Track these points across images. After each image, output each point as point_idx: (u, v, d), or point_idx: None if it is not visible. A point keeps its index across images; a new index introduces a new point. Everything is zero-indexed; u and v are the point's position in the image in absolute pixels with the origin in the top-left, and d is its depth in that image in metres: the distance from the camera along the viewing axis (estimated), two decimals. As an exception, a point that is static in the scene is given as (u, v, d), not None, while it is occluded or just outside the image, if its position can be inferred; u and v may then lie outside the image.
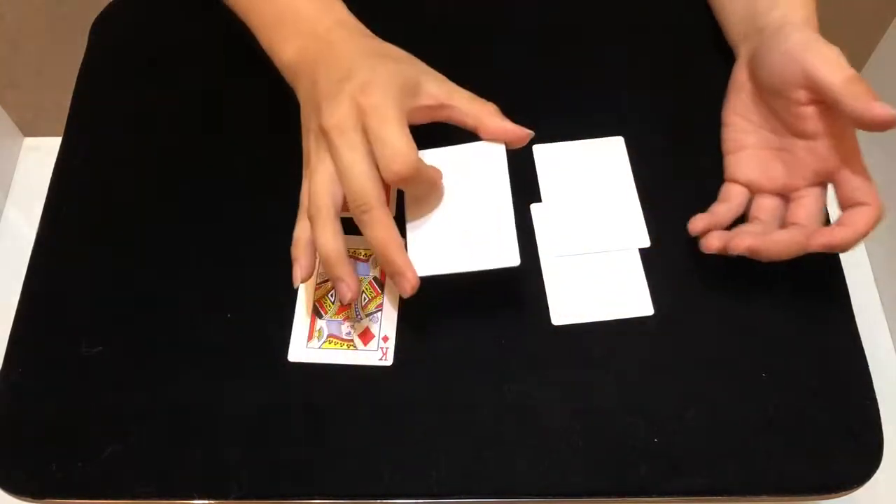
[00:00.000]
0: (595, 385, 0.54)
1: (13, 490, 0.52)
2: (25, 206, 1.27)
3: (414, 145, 0.49)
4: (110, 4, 0.72)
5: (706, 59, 0.64)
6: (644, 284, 0.58)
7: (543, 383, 0.54)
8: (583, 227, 0.60)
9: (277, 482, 0.52)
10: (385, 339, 0.56)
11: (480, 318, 0.57)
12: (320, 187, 0.50)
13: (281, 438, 0.53)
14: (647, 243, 0.59)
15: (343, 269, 0.50)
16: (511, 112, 0.65)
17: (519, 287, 0.58)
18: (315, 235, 0.50)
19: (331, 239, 0.49)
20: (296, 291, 0.57)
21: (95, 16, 0.72)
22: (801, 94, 0.53)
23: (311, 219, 0.50)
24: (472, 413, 0.53)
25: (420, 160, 0.49)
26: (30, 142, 1.32)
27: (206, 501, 0.51)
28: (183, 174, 0.63)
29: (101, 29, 0.71)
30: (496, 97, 0.66)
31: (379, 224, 0.49)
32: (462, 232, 0.53)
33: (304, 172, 0.53)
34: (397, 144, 0.48)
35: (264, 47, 0.58)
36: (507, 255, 0.51)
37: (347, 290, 0.50)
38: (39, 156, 1.31)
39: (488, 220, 0.52)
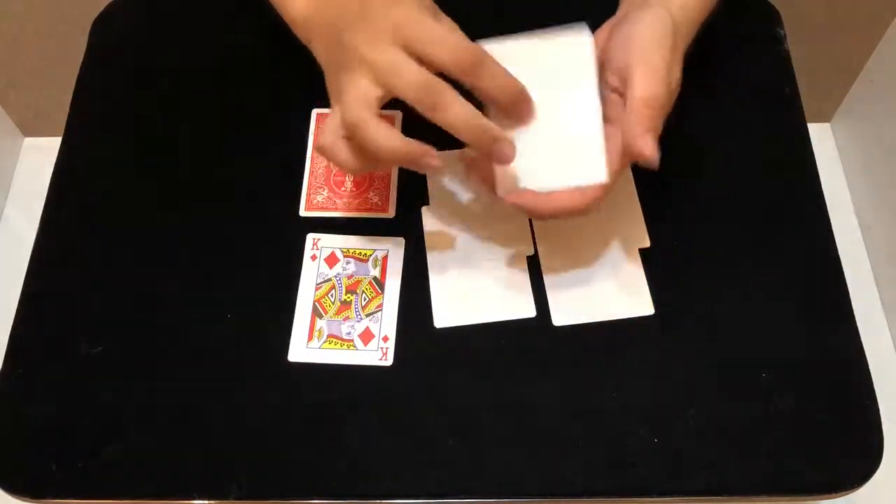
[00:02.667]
0: (595, 385, 0.54)
1: (13, 490, 0.52)
2: (25, 206, 1.27)
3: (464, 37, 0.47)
4: (110, 4, 0.72)
5: (707, 58, 0.64)
6: (644, 284, 0.58)
7: (543, 383, 0.54)
8: (583, 228, 0.60)
9: (277, 482, 0.52)
10: (385, 339, 0.56)
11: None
12: (354, 106, 0.48)
13: (281, 438, 0.53)
14: (646, 243, 0.59)
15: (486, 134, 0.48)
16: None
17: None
18: (368, 138, 0.48)
19: (383, 135, 0.47)
20: (296, 291, 0.57)
21: (95, 16, 0.72)
22: (612, 79, 0.51)
23: (352, 129, 0.48)
24: (472, 413, 0.53)
25: (477, 46, 0.47)
26: (30, 142, 1.32)
27: (206, 501, 0.51)
28: (183, 174, 0.63)
29: (101, 29, 0.71)
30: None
31: (453, 103, 0.46)
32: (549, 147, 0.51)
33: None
34: (446, 36, 0.46)
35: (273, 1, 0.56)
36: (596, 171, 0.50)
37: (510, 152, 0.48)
38: (39, 156, 1.31)
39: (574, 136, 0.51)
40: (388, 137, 0.47)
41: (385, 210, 0.60)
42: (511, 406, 0.54)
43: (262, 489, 0.52)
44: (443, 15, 0.51)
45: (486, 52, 0.47)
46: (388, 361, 0.55)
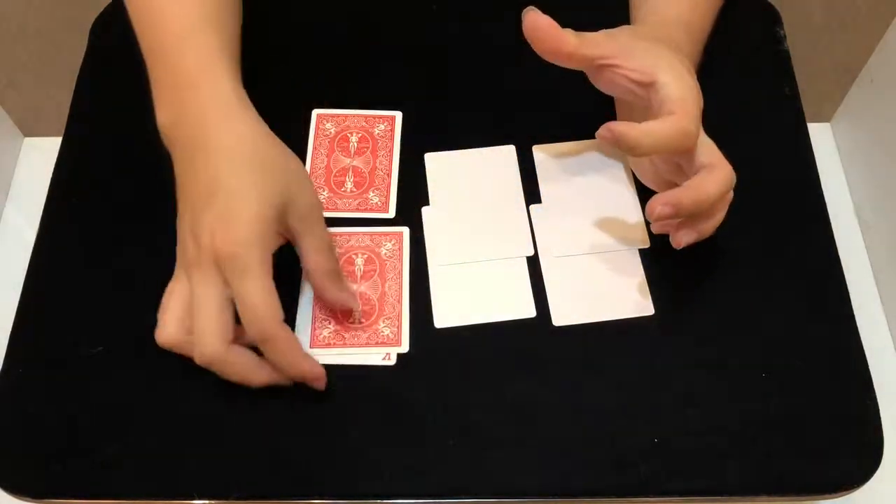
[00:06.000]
0: (595, 385, 0.54)
1: (13, 490, 0.52)
2: (25, 206, 1.27)
3: (274, 302, 0.48)
4: (110, 4, 0.72)
5: (707, 58, 0.64)
6: (644, 284, 0.58)
7: (543, 383, 0.54)
8: (583, 227, 0.60)
9: (277, 482, 0.52)
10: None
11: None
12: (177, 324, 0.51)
13: (281, 438, 0.53)
14: (647, 243, 0.59)
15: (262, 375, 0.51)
16: (512, 112, 0.65)
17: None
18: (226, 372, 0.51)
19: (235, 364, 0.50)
20: (297, 292, 0.57)
21: (95, 16, 0.72)
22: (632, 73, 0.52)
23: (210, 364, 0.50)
24: (472, 413, 0.53)
25: (278, 323, 0.48)
26: (30, 142, 1.32)
27: (206, 501, 0.51)
28: (183, 174, 0.63)
29: (101, 29, 0.71)
30: (497, 93, 0.66)
31: (231, 366, 0.50)
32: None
33: (179, 270, 0.52)
34: (258, 305, 0.47)
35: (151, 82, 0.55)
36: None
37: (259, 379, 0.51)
38: (39, 156, 1.31)
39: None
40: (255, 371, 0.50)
41: (385, 210, 0.60)
42: (511, 406, 0.54)
43: (262, 489, 0.52)
44: (316, 228, 0.52)
45: (281, 331, 0.49)
46: (392, 361, 0.55)
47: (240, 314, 0.48)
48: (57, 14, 1.16)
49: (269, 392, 0.54)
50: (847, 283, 0.58)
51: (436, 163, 0.63)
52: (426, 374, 0.55)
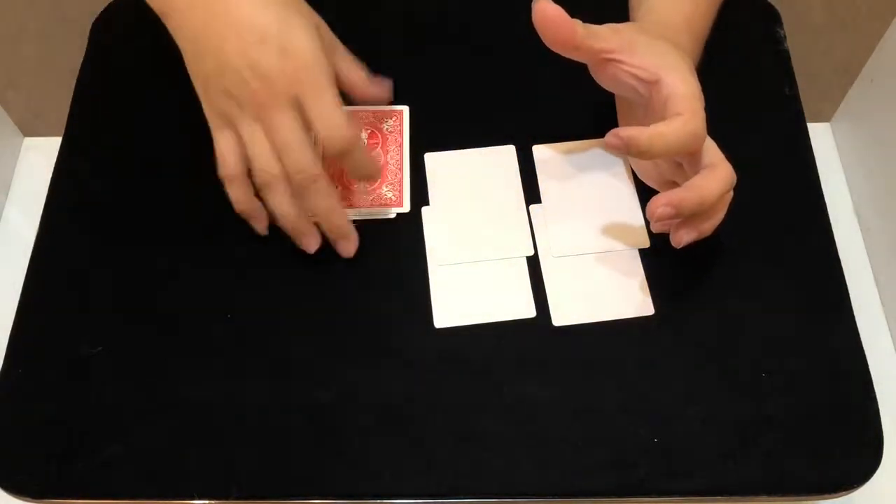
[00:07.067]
0: (595, 385, 0.54)
1: (13, 490, 0.52)
2: (25, 206, 1.27)
3: (348, 117, 0.52)
4: (110, 4, 0.72)
5: (707, 58, 0.64)
6: (644, 284, 0.58)
7: (543, 383, 0.54)
8: (583, 227, 0.60)
9: (277, 482, 0.52)
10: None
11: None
12: (267, 159, 0.53)
13: (281, 438, 0.53)
14: (646, 244, 0.59)
15: (307, 227, 0.56)
16: (511, 110, 0.65)
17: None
18: (275, 204, 0.54)
19: (291, 204, 0.54)
20: (296, 293, 0.57)
21: (95, 16, 0.72)
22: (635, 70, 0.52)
23: (264, 187, 0.54)
24: (472, 413, 0.53)
25: (356, 134, 0.53)
26: (30, 142, 1.32)
27: (206, 501, 0.51)
28: (183, 174, 0.63)
29: (101, 29, 0.71)
30: (497, 93, 0.66)
31: (323, 193, 0.54)
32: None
33: (220, 133, 0.55)
34: (335, 120, 0.51)
35: None
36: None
37: (314, 244, 0.56)
38: (39, 156, 1.31)
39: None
40: (291, 212, 0.56)
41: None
42: (511, 406, 0.54)
43: (262, 489, 0.52)
44: (340, 48, 0.57)
45: (358, 140, 0.54)
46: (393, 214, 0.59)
47: (317, 132, 0.52)
48: (57, 14, 1.16)
49: (269, 391, 0.54)
50: (847, 283, 0.58)
51: (436, 163, 0.63)
52: (426, 374, 0.55)
